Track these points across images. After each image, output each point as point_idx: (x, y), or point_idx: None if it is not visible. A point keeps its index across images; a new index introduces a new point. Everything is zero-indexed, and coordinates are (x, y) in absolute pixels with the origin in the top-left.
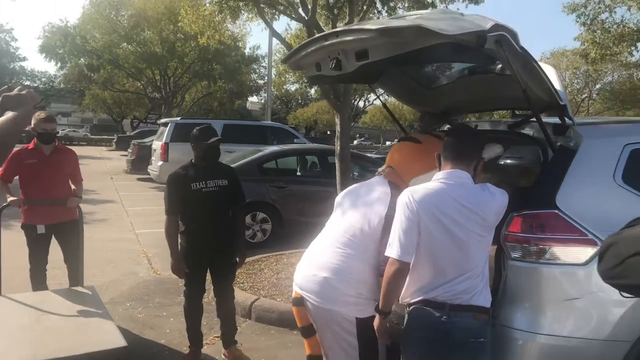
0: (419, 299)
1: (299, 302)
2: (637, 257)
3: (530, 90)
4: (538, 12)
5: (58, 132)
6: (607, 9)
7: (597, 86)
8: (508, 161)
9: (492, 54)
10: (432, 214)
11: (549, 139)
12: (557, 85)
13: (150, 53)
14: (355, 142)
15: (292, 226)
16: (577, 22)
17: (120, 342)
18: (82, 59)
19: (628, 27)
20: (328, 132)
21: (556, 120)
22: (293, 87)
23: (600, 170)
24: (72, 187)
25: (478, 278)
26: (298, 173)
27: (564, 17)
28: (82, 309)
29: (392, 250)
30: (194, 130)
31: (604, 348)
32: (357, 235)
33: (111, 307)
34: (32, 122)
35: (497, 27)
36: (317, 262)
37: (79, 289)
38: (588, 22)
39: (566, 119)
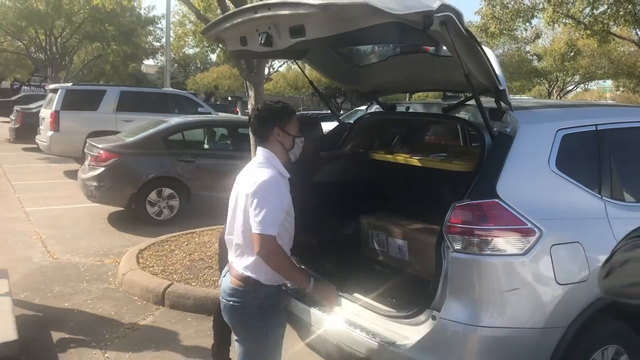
0: None
1: None
2: None
3: (471, 74)
4: None
5: None
6: None
7: None
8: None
9: (435, 35)
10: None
11: (488, 124)
12: (497, 69)
13: (32, 10)
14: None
15: (200, 202)
16: None
17: (10, 335)
18: None
19: (523, 4)
20: (229, 98)
21: (492, 104)
22: (192, 51)
23: (536, 157)
24: None
25: (248, 251)
26: (206, 146)
27: None
28: None
29: None
30: None
31: (542, 335)
32: None
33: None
34: None
35: (444, 7)
36: None
37: None
38: None
39: (502, 103)
